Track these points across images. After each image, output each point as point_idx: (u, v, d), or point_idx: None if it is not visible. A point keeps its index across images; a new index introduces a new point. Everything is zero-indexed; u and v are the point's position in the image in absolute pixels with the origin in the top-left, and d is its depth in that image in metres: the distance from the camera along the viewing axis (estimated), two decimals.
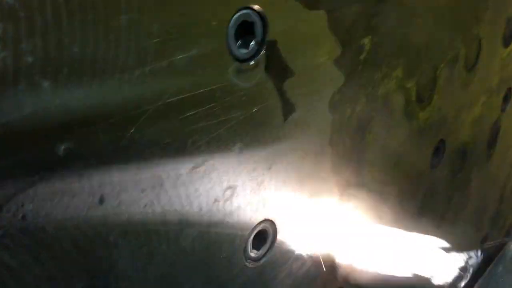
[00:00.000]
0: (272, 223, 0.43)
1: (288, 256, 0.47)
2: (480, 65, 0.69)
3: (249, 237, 0.42)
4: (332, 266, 0.53)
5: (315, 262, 0.50)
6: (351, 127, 0.49)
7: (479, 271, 0.53)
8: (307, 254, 0.49)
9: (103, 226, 0.30)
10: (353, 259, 0.55)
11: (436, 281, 0.59)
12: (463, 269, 0.57)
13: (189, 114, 0.33)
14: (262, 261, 0.44)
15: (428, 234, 0.70)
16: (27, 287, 0.27)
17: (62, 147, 0.27)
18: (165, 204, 0.34)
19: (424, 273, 0.59)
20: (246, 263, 0.42)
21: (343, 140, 0.48)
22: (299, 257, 0.48)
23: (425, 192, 0.66)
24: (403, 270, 0.58)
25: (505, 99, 0.80)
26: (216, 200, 0.37)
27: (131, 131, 0.30)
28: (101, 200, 0.30)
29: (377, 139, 0.53)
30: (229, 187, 0.38)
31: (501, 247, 0.50)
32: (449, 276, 0.57)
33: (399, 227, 0.62)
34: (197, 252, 0.37)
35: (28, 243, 0.27)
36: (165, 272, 0.35)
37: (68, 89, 0.26)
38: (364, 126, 0.50)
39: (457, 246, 0.81)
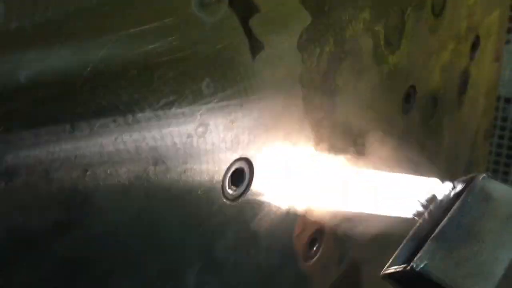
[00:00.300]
0: (248, 161, 0.44)
1: (266, 196, 0.47)
2: (447, 11, 0.70)
3: (226, 175, 0.42)
4: (310, 208, 0.54)
5: (293, 203, 0.51)
6: (321, 67, 0.49)
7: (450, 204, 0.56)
8: (286, 195, 0.50)
9: (77, 156, 0.31)
10: (330, 201, 0.56)
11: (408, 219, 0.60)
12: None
13: (152, 46, 0.33)
14: (240, 200, 0.45)
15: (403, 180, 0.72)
16: None
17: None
18: (138, 139, 0.34)
19: (398, 214, 0.60)
20: (224, 201, 0.43)
21: (314, 80, 0.49)
22: (277, 198, 0.49)
23: (397, 137, 0.67)
24: (378, 211, 0.59)
25: (473, 47, 0.82)
26: (189, 136, 0.38)
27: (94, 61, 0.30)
28: (73, 129, 0.30)
29: (347, 82, 0.54)
30: (201, 124, 0.39)
31: (470, 181, 0.53)
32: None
33: (376, 174, 0.63)
34: (173, 187, 0.38)
35: None
36: (142, 206, 0.36)
37: None
38: (334, 68, 0.51)
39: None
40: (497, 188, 0.51)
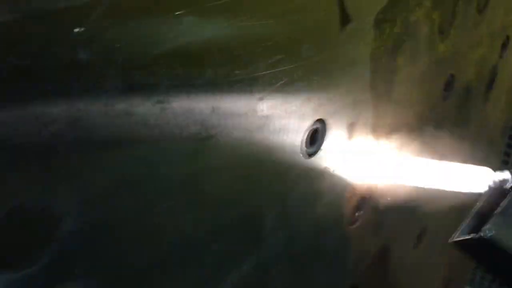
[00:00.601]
0: (323, 123, 0.49)
1: (333, 156, 0.52)
2: (489, 9, 0.75)
3: (305, 133, 0.47)
4: (362, 176, 0.59)
5: (351, 168, 0.56)
6: (388, 46, 0.54)
7: None
8: (347, 159, 0.55)
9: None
10: (379, 173, 0.61)
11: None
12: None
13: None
14: (313, 157, 0.49)
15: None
16: None
17: None
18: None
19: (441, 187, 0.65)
20: (301, 156, 0.48)
21: (380, 56, 0.54)
22: (341, 160, 0.54)
23: (435, 122, 0.72)
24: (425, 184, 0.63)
25: (503, 47, 0.87)
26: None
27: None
28: None
29: (405, 63, 0.59)
30: (294, 80, 0.43)
31: None
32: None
33: (415, 148, 0.68)
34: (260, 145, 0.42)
35: None
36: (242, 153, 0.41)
37: None
38: (397, 48, 0.56)
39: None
40: None
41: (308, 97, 0.46)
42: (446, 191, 0.63)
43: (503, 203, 0.54)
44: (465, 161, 0.79)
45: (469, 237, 0.52)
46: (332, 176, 0.53)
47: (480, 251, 0.52)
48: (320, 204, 0.54)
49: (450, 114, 0.76)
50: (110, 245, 0.33)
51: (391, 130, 0.61)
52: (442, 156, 0.72)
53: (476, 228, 0.52)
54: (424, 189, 0.63)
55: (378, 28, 0.52)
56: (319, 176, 0.51)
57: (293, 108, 0.45)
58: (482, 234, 0.50)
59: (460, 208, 0.65)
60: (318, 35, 0.44)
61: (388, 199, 0.68)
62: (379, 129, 0.59)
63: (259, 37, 0.38)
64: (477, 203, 0.58)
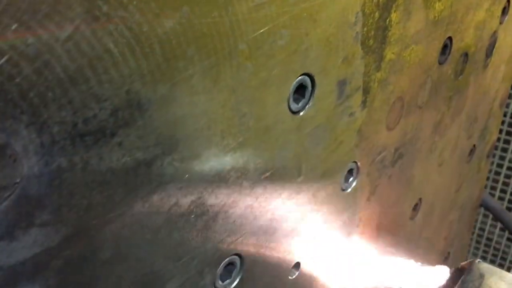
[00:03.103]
0: (310, 76, 0.47)
1: (322, 112, 0.50)
2: None
3: (292, 89, 0.45)
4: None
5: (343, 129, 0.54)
6: (379, 1, 0.52)
7: None
8: (336, 117, 0.53)
9: None
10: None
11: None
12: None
13: None
14: (300, 114, 0.47)
15: (427, 129, 0.75)
16: None
17: None
18: None
19: None
20: (289, 113, 0.45)
21: (374, 11, 0.51)
22: (330, 119, 0.51)
23: (431, 86, 0.70)
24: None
25: (504, 12, 0.84)
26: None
27: None
28: None
29: (400, 19, 0.56)
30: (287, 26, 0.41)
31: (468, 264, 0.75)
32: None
33: (407, 113, 0.66)
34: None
35: None
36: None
37: None
38: (391, 2, 0.53)
39: (451, 149, 0.86)
40: (488, 269, 0.71)
41: (295, 50, 0.43)
42: None
43: None
44: (458, 132, 0.77)
45: None
46: (320, 131, 0.51)
47: None
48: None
49: (447, 80, 0.74)
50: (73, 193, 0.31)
51: (384, 94, 0.59)
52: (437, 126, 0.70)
53: None
54: None
55: None
56: (307, 133, 0.49)
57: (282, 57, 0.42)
58: None
59: None
60: None
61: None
62: (370, 90, 0.56)
63: None
64: None
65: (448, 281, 0.76)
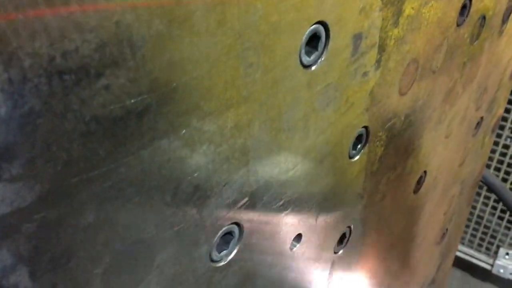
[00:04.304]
0: (325, 25, 0.41)
1: (335, 70, 0.45)
2: None
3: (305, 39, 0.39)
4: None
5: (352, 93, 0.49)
6: None
7: None
8: (348, 77, 0.48)
9: None
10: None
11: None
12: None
13: None
14: (312, 68, 0.42)
15: (439, 95, 0.70)
16: None
17: None
18: None
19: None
20: (301, 67, 0.40)
21: None
22: (342, 77, 0.46)
23: (447, 49, 0.65)
24: None
25: None
26: None
27: None
28: None
29: None
30: None
31: None
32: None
33: (420, 79, 0.61)
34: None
35: None
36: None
37: None
38: None
39: (459, 120, 0.82)
40: None
41: None
42: None
43: None
44: (468, 102, 0.73)
45: None
46: (330, 93, 0.46)
47: None
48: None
49: (463, 44, 0.69)
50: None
51: (399, 54, 0.54)
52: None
53: None
54: None
55: None
56: (319, 91, 0.44)
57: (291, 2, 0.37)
58: None
59: None
60: None
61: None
62: (386, 48, 0.51)
63: None
64: None
65: None
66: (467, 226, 2.63)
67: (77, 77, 0.25)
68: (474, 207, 2.53)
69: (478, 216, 2.57)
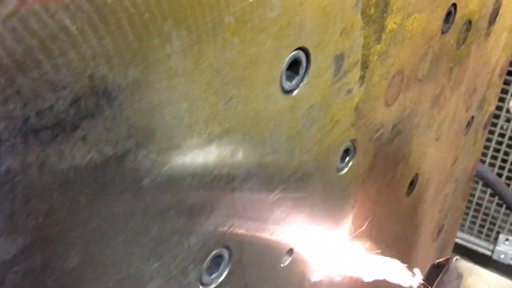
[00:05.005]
0: (305, 50, 0.42)
1: (317, 91, 0.45)
2: None
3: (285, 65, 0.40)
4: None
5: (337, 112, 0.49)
6: None
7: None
8: (331, 98, 0.48)
9: None
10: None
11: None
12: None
13: None
14: (294, 93, 0.42)
15: (426, 103, 0.70)
16: None
17: None
18: None
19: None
20: (281, 94, 0.41)
21: None
22: (326, 98, 0.47)
23: (432, 58, 0.65)
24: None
25: None
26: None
27: None
28: None
29: None
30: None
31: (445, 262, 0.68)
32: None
33: (407, 87, 0.62)
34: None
35: None
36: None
37: None
38: None
39: (449, 122, 0.82)
40: (466, 267, 0.68)
41: (288, 22, 0.38)
42: None
43: None
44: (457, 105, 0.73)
45: None
46: (312, 114, 0.46)
47: None
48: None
49: (449, 50, 0.69)
50: None
51: (383, 68, 0.54)
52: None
53: None
54: None
55: None
56: (301, 115, 0.44)
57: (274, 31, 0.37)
58: None
59: None
60: None
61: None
62: (369, 64, 0.52)
63: None
64: None
65: (424, 278, 0.71)
66: (466, 214, 2.64)
67: (53, 133, 0.26)
68: (472, 195, 2.54)
69: (477, 204, 2.57)
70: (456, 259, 0.71)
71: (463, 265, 0.69)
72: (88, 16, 0.25)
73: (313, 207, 0.54)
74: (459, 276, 0.67)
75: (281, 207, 0.48)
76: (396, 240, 0.86)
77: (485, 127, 1.06)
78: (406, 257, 0.97)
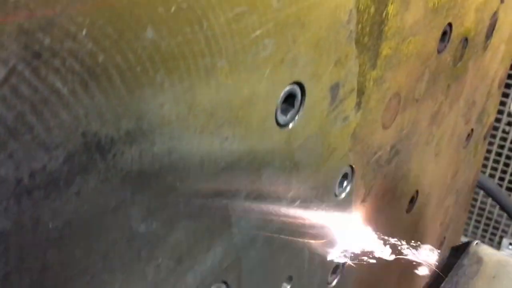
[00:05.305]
0: (301, 86, 0.42)
1: (312, 124, 0.45)
2: None
3: (280, 97, 0.40)
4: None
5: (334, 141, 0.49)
6: None
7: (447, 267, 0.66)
8: (328, 131, 0.48)
9: None
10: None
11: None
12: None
13: None
14: (290, 126, 0.42)
15: (424, 121, 0.70)
16: None
17: None
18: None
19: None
20: (276, 127, 0.41)
21: (369, 6, 0.46)
22: (321, 129, 0.47)
23: (429, 77, 0.65)
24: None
25: None
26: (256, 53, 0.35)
27: None
28: None
29: (397, 12, 0.51)
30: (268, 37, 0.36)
31: (465, 246, 0.66)
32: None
33: (404, 108, 0.62)
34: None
35: None
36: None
37: None
38: None
39: (448, 137, 0.82)
40: (486, 252, 0.65)
41: (282, 59, 0.38)
42: None
43: (443, 284, 0.60)
44: (455, 119, 0.73)
45: None
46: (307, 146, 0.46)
47: None
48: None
49: (446, 68, 0.69)
50: None
51: (380, 92, 0.54)
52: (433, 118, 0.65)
53: None
54: None
55: None
56: (296, 149, 0.44)
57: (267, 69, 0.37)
58: None
59: None
60: None
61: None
62: (365, 91, 0.52)
63: None
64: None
65: (442, 262, 0.70)
66: (469, 218, 2.63)
67: (47, 191, 0.26)
68: (475, 199, 2.54)
69: (480, 208, 2.57)
70: (477, 243, 0.67)
71: (484, 249, 0.67)
72: (80, 77, 0.25)
73: (311, 234, 0.54)
74: (479, 261, 0.64)
75: (277, 240, 0.48)
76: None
77: (485, 138, 1.06)
78: (408, 271, 0.96)
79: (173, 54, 0.29)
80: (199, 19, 0.30)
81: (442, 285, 0.58)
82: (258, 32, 0.35)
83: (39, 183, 0.25)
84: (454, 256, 0.70)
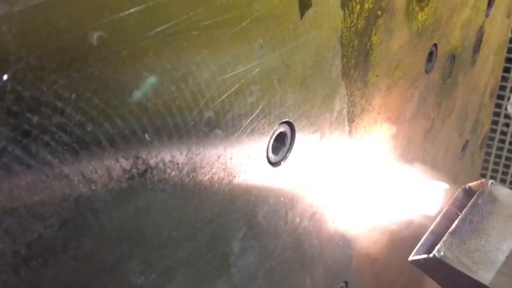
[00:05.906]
0: (290, 125, 0.43)
1: (304, 160, 0.46)
2: None
3: (270, 140, 0.41)
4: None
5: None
6: (359, 25, 0.47)
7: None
8: (319, 162, 0.49)
9: None
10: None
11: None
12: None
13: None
14: (281, 164, 0.43)
15: (417, 139, 0.71)
16: None
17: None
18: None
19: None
20: (268, 165, 0.41)
21: (352, 39, 0.47)
22: (313, 163, 0.47)
23: (419, 97, 0.66)
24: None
25: (489, 4, 0.80)
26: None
27: None
28: None
29: (381, 41, 0.52)
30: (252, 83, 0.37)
31: (480, 185, 0.62)
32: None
33: (396, 130, 0.62)
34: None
35: None
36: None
37: None
38: (371, 25, 0.49)
39: (443, 152, 0.83)
40: (502, 192, 0.62)
41: (268, 103, 0.39)
42: None
43: (455, 223, 0.56)
44: (449, 133, 0.73)
45: (423, 256, 0.55)
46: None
47: (434, 269, 0.55)
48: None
49: (435, 86, 0.70)
50: None
51: (369, 120, 0.55)
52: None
53: (431, 247, 0.55)
54: None
55: (346, 7, 0.44)
56: (289, 185, 0.45)
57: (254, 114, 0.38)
58: (435, 254, 0.53)
59: None
60: (273, 28, 0.37)
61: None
62: (355, 119, 0.52)
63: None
64: (435, 221, 0.60)
65: (454, 202, 0.64)
66: None
67: (44, 259, 0.26)
68: None
69: None
70: (492, 183, 0.63)
71: (499, 189, 0.63)
72: (69, 147, 0.26)
73: (306, 260, 0.54)
74: (495, 200, 0.62)
75: (277, 273, 0.48)
76: (402, 272, 0.87)
77: (481, 147, 1.07)
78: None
79: (160, 113, 0.30)
80: (184, 77, 0.31)
81: (455, 223, 0.56)
82: (243, 81, 0.35)
83: (36, 253, 0.26)
84: (467, 195, 0.64)
